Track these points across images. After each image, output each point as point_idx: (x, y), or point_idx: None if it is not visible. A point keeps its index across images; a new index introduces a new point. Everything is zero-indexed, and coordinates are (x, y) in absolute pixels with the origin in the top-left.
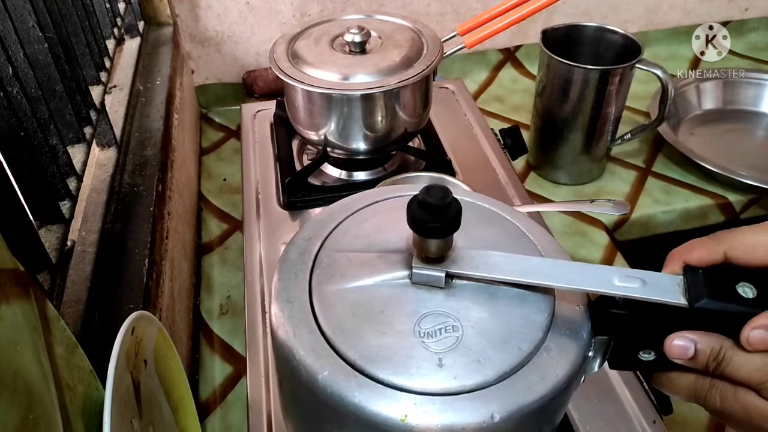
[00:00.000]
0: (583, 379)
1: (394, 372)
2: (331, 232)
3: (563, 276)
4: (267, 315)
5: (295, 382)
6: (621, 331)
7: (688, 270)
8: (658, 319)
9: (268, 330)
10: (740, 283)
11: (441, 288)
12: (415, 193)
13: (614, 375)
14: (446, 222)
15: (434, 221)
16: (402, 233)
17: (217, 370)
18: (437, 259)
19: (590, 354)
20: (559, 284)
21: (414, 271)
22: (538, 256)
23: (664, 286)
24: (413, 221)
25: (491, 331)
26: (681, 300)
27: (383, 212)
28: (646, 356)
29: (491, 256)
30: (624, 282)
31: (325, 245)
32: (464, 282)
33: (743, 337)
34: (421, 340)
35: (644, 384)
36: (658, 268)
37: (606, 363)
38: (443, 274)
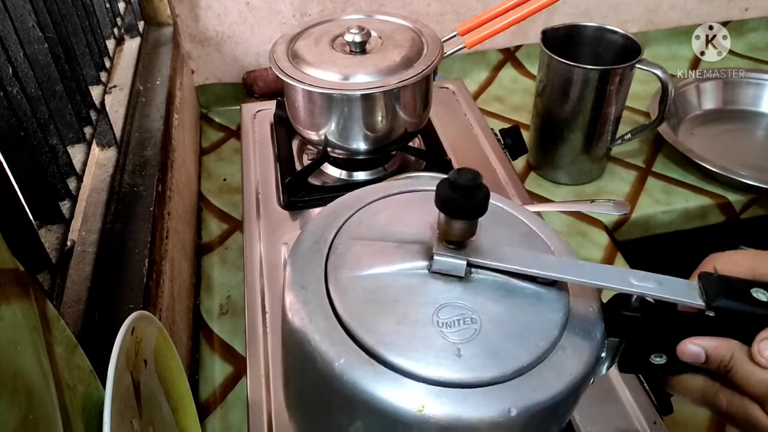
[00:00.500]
0: (592, 380)
1: (411, 359)
2: (344, 222)
3: (583, 273)
4: (267, 315)
5: (308, 371)
6: (634, 334)
7: (703, 275)
8: (671, 322)
9: (269, 329)
10: (754, 288)
11: (459, 281)
12: (425, 189)
13: (615, 376)
14: (476, 203)
15: (464, 200)
16: (418, 226)
17: (217, 370)
18: (458, 246)
19: (602, 355)
20: (581, 279)
21: (435, 258)
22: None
23: (680, 288)
24: (443, 201)
25: (508, 326)
26: (698, 300)
27: (395, 206)
28: (658, 360)
29: (511, 250)
30: (641, 282)
31: (339, 233)
32: (481, 277)
33: (754, 349)
34: (439, 330)
35: (645, 384)
36: (658, 268)
37: (613, 366)
38: (464, 263)
